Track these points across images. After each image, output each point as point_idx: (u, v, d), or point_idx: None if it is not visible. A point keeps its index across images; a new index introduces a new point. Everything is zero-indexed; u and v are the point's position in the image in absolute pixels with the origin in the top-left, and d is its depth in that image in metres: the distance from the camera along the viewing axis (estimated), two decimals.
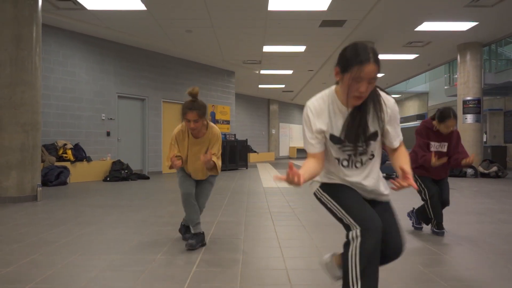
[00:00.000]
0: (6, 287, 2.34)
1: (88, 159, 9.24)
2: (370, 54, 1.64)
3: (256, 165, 16.54)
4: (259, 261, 2.89)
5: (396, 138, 1.84)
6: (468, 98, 10.66)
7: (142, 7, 7.91)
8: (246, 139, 14.36)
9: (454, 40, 10.49)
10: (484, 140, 14.69)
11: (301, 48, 11.30)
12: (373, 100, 1.76)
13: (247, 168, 13.85)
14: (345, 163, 1.82)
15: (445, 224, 3.81)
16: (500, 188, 7.72)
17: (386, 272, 2.48)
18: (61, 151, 8.78)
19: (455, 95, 11.06)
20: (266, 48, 11.29)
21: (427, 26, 9.14)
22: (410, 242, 3.43)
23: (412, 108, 21.89)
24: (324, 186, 1.89)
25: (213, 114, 13.82)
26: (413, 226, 4.04)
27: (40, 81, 6.21)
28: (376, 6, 7.94)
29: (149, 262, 2.84)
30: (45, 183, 7.67)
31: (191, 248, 3.11)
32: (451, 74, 14.32)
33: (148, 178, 9.93)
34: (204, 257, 2.98)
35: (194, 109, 2.96)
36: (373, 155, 1.83)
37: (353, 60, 1.64)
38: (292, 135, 25.22)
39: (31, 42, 6.01)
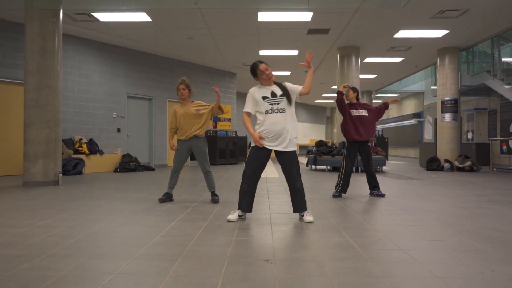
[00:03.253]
0: (48, 230, 3.49)
1: (101, 152, 10.46)
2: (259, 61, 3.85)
3: None
4: (222, 217, 3.98)
5: (297, 88, 3.91)
6: (446, 98, 11.60)
7: (147, 19, 9.07)
8: (246, 136, 15.47)
9: (433, 45, 11.43)
10: (471, 137, 15.56)
11: (294, 52, 12.33)
12: (280, 86, 3.92)
13: None
14: (270, 111, 3.80)
15: (391, 198, 4.85)
16: (463, 179, 8.69)
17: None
18: (77, 145, 10.01)
19: None
20: (262, 52, 12.34)
21: (403, 33, 10.11)
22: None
23: (410, 107, 22.70)
24: (252, 147, 3.90)
25: None
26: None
27: (60, 85, 7.39)
28: (353, 18, 8.97)
29: (142, 220, 3.97)
30: (63, 172, 8.88)
31: (161, 202, 5.08)
32: (436, 76, 15.21)
33: (153, 169, 11.12)
34: (183, 216, 4.10)
35: (183, 83, 5.13)
36: (284, 110, 3.80)
37: (253, 69, 3.94)
38: None
39: (54, 52, 7.21)
